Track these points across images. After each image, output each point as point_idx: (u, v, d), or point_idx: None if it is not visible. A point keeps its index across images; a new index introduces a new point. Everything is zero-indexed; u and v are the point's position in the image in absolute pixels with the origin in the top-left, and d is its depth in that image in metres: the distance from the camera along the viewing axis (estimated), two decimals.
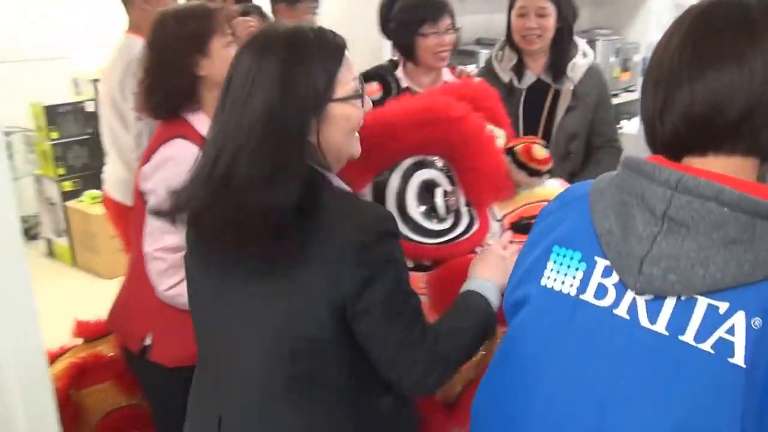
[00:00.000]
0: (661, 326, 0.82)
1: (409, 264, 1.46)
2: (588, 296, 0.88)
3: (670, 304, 0.81)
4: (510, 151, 1.65)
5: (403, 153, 1.52)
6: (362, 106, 1.15)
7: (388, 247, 1.08)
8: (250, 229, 1.02)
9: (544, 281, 0.93)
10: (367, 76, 2.01)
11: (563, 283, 0.91)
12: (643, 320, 0.83)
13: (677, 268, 0.80)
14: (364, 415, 1.14)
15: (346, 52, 1.12)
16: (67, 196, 4.15)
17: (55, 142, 4.11)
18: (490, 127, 1.66)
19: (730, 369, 0.77)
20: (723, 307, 0.78)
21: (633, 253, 0.83)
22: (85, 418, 1.74)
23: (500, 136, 1.68)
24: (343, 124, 1.11)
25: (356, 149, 1.18)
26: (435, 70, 2.21)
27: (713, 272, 0.78)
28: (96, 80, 4.32)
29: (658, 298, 0.82)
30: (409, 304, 1.11)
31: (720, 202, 0.79)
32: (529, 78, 2.34)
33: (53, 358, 1.77)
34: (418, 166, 1.53)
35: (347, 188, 1.16)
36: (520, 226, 1.58)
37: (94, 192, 4.15)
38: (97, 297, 2.20)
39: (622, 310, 0.85)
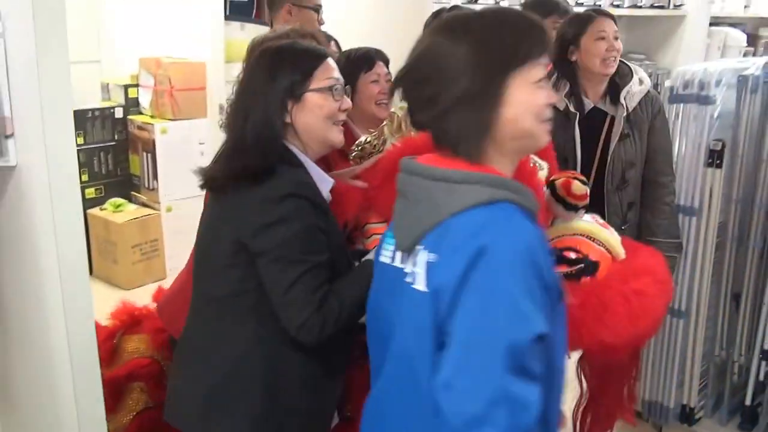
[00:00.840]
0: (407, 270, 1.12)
1: None
2: (394, 262, 1.15)
3: (402, 255, 1.12)
4: (551, 184, 1.65)
5: None
6: (337, 101, 1.44)
7: (288, 206, 1.31)
8: (222, 181, 1.38)
9: (381, 258, 1.19)
10: None
11: (386, 255, 1.17)
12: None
13: (402, 228, 1.12)
14: (276, 341, 1.36)
15: (329, 59, 1.46)
16: (89, 203, 3.95)
17: (81, 147, 3.92)
18: (535, 159, 1.67)
19: (420, 293, 1.06)
20: (420, 250, 1.07)
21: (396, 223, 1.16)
22: (118, 358, 1.97)
23: (544, 169, 1.70)
24: (316, 111, 1.41)
25: (335, 137, 1.45)
26: None
27: (412, 226, 1.09)
28: (127, 86, 4.17)
29: (404, 252, 1.11)
30: (305, 260, 1.32)
31: (418, 174, 1.10)
32: (587, 105, 2.25)
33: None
34: None
35: (312, 168, 1.43)
36: (553, 257, 1.50)
37: (118, 200, 3.97)
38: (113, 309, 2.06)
39: (397, 264, 1.14)
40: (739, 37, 4.99)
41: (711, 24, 5.10)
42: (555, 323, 1.06)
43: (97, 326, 2.03)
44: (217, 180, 1.39)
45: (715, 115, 2.37)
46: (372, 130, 1.96)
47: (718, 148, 2.37)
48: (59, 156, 1.38)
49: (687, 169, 2.42)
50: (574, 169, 2.20)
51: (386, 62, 2.18)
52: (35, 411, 1.65)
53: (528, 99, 1.06)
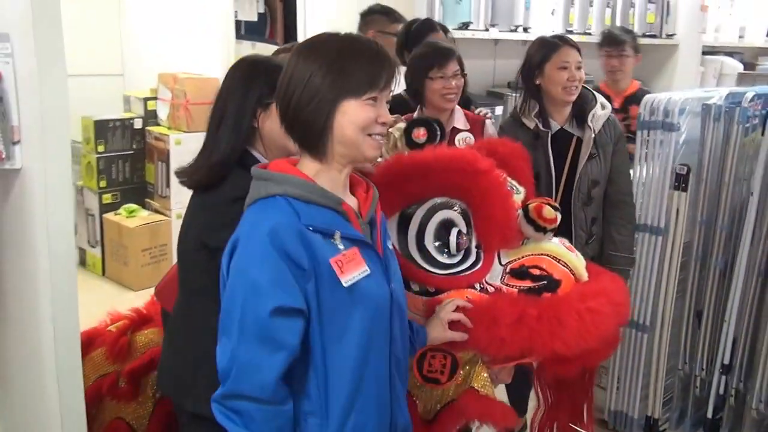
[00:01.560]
0: None
1: (415, 288, 1.63)
2: None
3: None
4: (525, 207, 1.74)
5: (431, 192, 1.66)
6: None
7: (237, 209, 1.32)
8: (189, 182, 1.52)
9: None
10: (416, 122, 2.04)
11: None
12: None
13: None
14: None
15: None
16: (106, 208, 4.13)
17: (101, 155, 4.11)
18: (513, 183, 1.78)
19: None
20: None
21: None
22: (133, 352, 2.08)
23: (521, 193, 1.80)
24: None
25: (292, 146, 1.38)
26: (444, 111, 2.28)
27: None
28: (146, 99, 4.35)
29: None
30: None
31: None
32: (554, 126, 2.34)
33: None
34: (442, 205, 1.66)
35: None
36: (520, 272, 1.70)
37: (132, 206, 4.13)
38: (123, 308, 2.18)
39: None
40: (734, 65, 5.06)
41: (707, 53, 5.18)
42: (325, 302, 1.22)
43: (102, 330, 2.19)
44: (186, 180, 1.51)
45: (681, 141, 2.46)
46: None
47: (684, 172, 2.46)
48: (56, 159, 1.52)
49: (654, 191, 2.51)
50: (547, 184, 2.30)
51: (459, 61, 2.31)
52: (24, 388, 1.79)
53: (357, 114, 1.23)
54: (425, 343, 1.54)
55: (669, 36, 4.74)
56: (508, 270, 1.72)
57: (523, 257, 1.74)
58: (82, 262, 4.29)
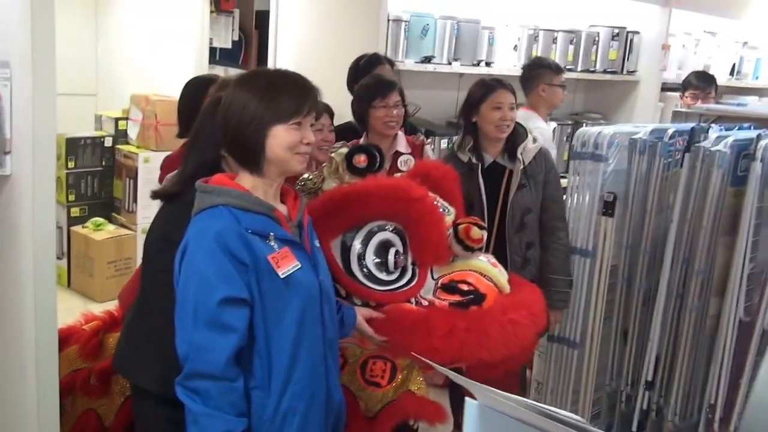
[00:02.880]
0: None
1: (357, 302, 1.98)
2: None
3: None
4: (455, 228, 2.09)
5: (371, 217, 1.99)
6: None
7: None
8: (159, 195, 1.90)
9: None
10: (357, 149, 2.43)
11: None
12: None
13: None
14: None
15: None
16: (73, 221, 4.49)
17: (71, 170, 4.48)
18: (444, 204, 2.14)
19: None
20: None
21: None
22: (104, 351, 2.42)
23: (451, 214, 2.15)
24: None
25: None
26: (387, 137, 2.69)
27: None
28: (117, 119, 4.75)
29: None
30: None
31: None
32: (487, 159, 2.72)
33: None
34: (381, 228, 2.00)
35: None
36: (450, 287, 2.05)
37: (99, 219, 4.50)
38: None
39: None
40: (753, 102, 5.52)
41: (672, 89, 5.68)
42: (267, 293, 1.59)
43: (78, 329, 2.55)
44: (158, 193, 1.89)
45: (609, 171, 2.88)
46: (314, 171, 2.50)
47: (611, 199, 2.88)
48: (42, 167, 1.90)
49: (584, 216, 2.92)
50: (480, 212, 2.69)
51: (331, 114, 2.73)
52: (5, 379, 2.15)
53: (285, 137, 1.61)
54: (353, 323, 1.91)
55: (630, 72, 5.23)
56: (439, 284, 2.08)
57: (453, 272, 2.10)
58: None
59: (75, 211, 4.52)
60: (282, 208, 1.71)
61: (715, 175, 2.60)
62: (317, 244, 1.80)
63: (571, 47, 4.84)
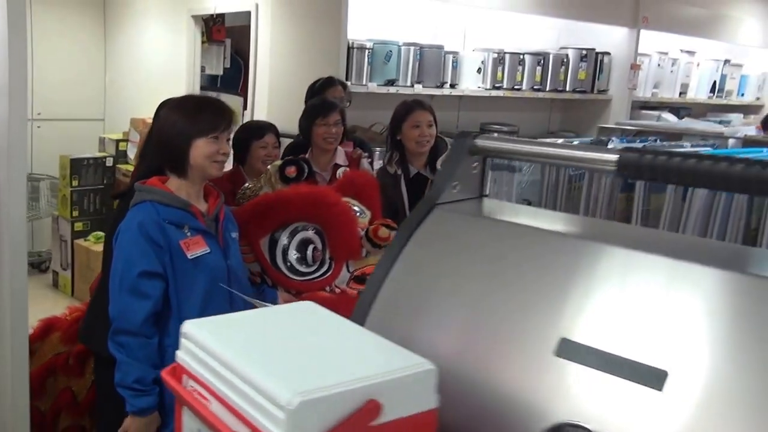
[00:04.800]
0: None
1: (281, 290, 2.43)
2: None
3: None
4: (367, 228, 2.54)
5: (293, 219, 2.44)
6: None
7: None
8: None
9: None
10: (288, 162, 2.95)
11: None
12: None
13: None
14: None
15: None
16: (77, 234, 5.12)
17: (75, 189, 5.13)
18: (362, 207, 2.58)
19: None
20: None
21: None
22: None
23: (366, 216, 2.59)
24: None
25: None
26: (327, 152, 3.14)
27: None
28: (118, 140, 5.40)
29: None
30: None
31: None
32: (412, 171, 3.20)
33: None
34: (302, 228, 2.44)
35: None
36: (361, 278, 2.49)
37: (100, 233, 5.10)
38: None
39: None
40: (671, 118, 5.95)
41: (651, 107, 6.11)
42: (178, 270, 2.07)
43: (61, 319, 3.08)
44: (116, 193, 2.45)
45: (524, 181, 3.36)
46: (255, 180, 3.04)
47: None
48: (15, 180, 2.46)
49: None
50: (403, 218, 3.14)
51: (276, 134, 3.27)
52: None
53: (204, 148, 2.09)
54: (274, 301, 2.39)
55: (602, 92, 5.67)
56: (353, 276, 2.53)
57: (365, 266, 2.52)
58: (55, 284, 5.26)
59: (78, 226, 5.14)
60: (202, 205, 2.23)
61: (605, 182, 3.06)
62: (233, 236, 2.29)
63: (539, 68, 5.31)
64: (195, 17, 5.06)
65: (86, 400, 2.97)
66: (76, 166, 5.13)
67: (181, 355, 0.90)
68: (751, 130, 4.50)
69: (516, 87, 5.20)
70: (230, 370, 0.80)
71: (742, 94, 6.88)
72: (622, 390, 0.82)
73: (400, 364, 0.81)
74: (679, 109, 6.35)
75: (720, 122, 5.95)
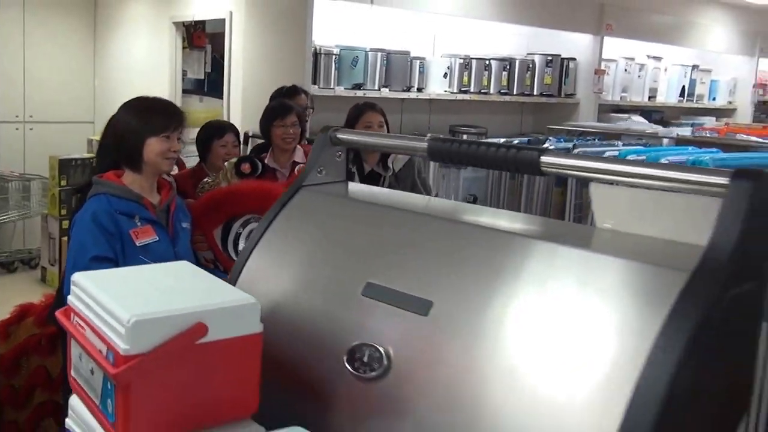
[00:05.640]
0: None
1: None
2: None
3: None
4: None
5: (244, 211, 2.63)
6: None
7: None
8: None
9: None
10: (243, 159, 3.18)
11: None
12: None
13: None
14: None
15: None
16: (64, 232, 5.38)
17: (63, 188, 5.40)
18: None
19: None
20: None
21: None
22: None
23: None
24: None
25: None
26: (286, 151, 3.38)
27: None
28: None
29: None
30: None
31: None
32: (366, 168, 3.44)
33: None
34: (254, 220, 2.63)
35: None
36: None
37: None
38: None
39: None
40: (641, 120, 6.19)
41: (622, 110, 6.35)
42: (129, 256, 2.29)
43: (36, 305, 3.37)
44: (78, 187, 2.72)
45: (470, 177, 3.61)
46: (213, 175, 3.30)
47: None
48: None
49: None
50: None
51: (236, 133, 3.53)
52: None
53: (156, 146, 2.31)
54: None
55: (569, 95, 5.92)
56: None
57: None
58: (43, 279, 5.53)
59: (66, 224, 5.39)
60: (155, 197, 2.48)
61: (540, 179, 3.31)
62: (183, 225, 2.55)
63: (506, 73, 5.56)
64: (176, 23, 5.33)
65: (59, 378, 3.23)
66: (65, 166, 5.40)
67: (70, 299, 1.15)
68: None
69: (483, 91, 5.44)
70: (97, 303, 1.05)
71: (714, 98, 7.11)
72: (402, 317, 1.06)
73: (228, 298, 1.06)
74: (651, 113, 6.58)
75: (692, 125, 6.20)
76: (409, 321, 1.06)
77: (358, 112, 3.44)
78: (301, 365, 1.15)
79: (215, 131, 3.50)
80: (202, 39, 5.52)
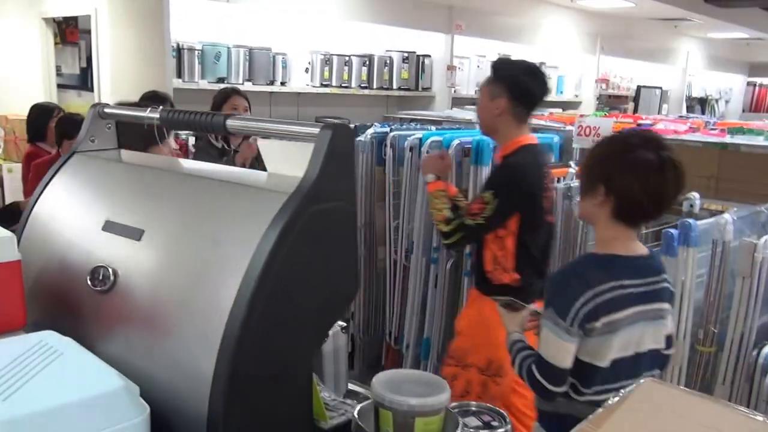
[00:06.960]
0: None
1: None
2: None
3: None
4: None
5: None
6: None
7: None
8: None
9: None
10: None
11: None
12: None
13: None
14: None
15: None
16: None
17: None
18: None
19: None
20: None
21: None
22: None
23: None
24: None
25: None
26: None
27: None
28: None
29: None
30: None
31: None
32: (234, 144, 3.76)
33: None
34: None
35: None
36: None
37: None
38: None
39: None
40: (469, 109, 6.68)
41: (475, 103, 6.86)
42: None
43: None
44: None
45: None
46: None
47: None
48: None
49: None
50: None
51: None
52: None
53: None
54: None
55: (426, 89, 6.40)
56: None
57: None
58: None
59: None
60: None
61: (362, 158, 3.73)
62: None
63: (365, 69, 5.98)
64: (46, 19, 5.48)
65: None
66: None
67: None
68: None
69: (344, 85, 5.85)
70: None
71: (561, 92, 7.76)
72: (125, 243, 1.43)
73: None
74: None
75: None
76: (129, 246, 1.42)
77: (225, 96, 3.72)
78: (58, 286, 1.50)
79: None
80: (75, 35, 5.69)
